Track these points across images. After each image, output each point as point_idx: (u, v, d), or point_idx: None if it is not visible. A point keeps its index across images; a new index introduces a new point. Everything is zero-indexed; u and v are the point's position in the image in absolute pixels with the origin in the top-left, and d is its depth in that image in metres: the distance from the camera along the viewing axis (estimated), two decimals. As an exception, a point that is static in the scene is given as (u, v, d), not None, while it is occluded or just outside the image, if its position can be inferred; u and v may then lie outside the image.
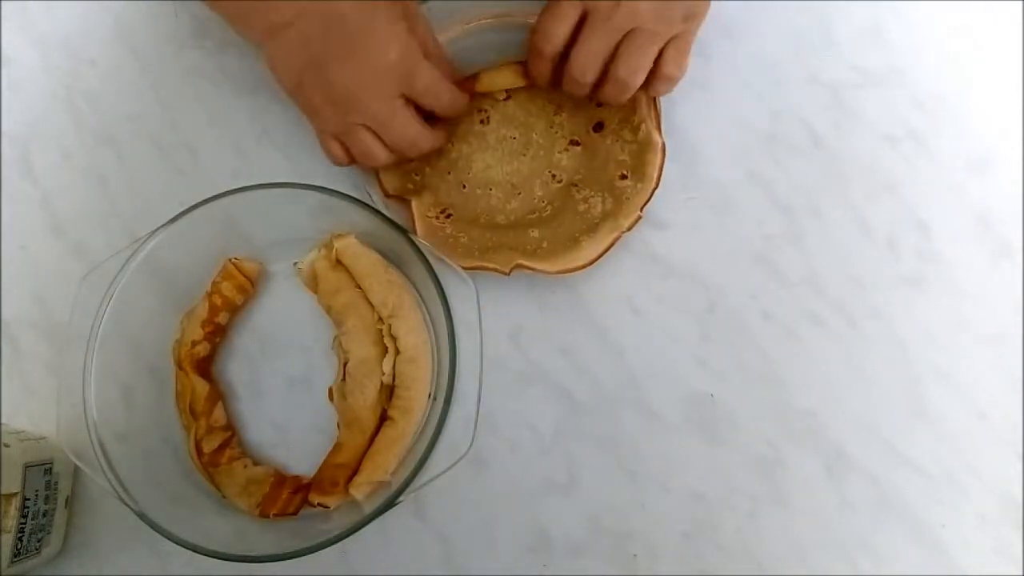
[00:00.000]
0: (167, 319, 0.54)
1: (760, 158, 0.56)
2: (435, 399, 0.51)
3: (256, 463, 0.52)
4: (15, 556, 0.46)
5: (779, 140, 0.57)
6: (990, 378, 0.53)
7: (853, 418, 0.52)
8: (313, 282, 0.54)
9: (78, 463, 0.47)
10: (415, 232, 0.53)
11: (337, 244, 0.52)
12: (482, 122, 0.56)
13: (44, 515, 0.49)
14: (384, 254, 0.53)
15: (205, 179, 0.57)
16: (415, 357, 0.51)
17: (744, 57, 0.58)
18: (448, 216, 0.54)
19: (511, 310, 0.54)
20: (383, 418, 0.51)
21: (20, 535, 0.47)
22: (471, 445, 0.47)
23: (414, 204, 0.54)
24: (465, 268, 0.50)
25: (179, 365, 0.53)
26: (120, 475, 0.48)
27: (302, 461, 0.53)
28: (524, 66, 0.54)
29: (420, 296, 0.53)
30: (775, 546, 0.51)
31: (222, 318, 0.54)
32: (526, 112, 0.56)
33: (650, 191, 0.52)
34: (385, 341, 0.51)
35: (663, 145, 0.53)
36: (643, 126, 0.53)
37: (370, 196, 0.55)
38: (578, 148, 0.56)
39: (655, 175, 0.53)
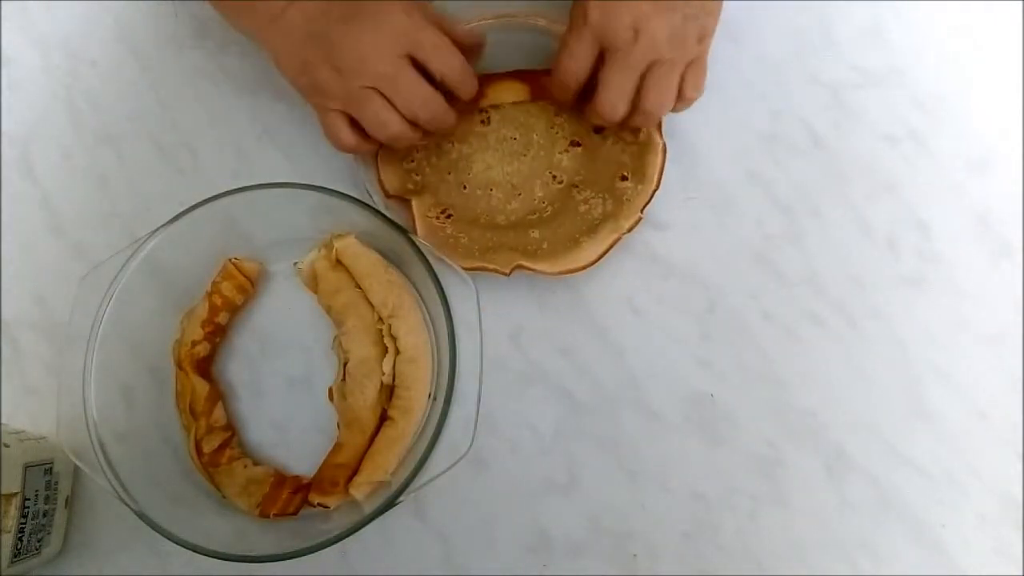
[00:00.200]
0: (167, 319, 0.54)
1: (760, 158, 0.56)
2: (435, 399, 0.51)
3: (256, 463, 0.52)
4: (15, 556, 0.46)
5: (779, 140, 0.57)
6: (990, 378, 0.53)
7: (853, 418, 0.52)
8: (313, 282, 0.54)
9: (78, 463, 0.47)
10: (415, 232, 0.53)
11: (337, 244, 0.52)
12: (483, 122, 0.56)
13: (44, 515, 0.49)
14: (384, 254, 0.53)
15: (205, 179, 0.58)
16: (415, 357, 0.51)
17: (744, 57, 0.58)
18: (448, 216, 0.54)
19: (511, 310, 0.54)
20: (383, 418, 0.51)
21: (20, 535, 0.47)
22: (471, 445, 0.47)
23: (414, 204, 0.54)
24: (465, 268, 0.50)
25: (179, 365, 0.53)
26: (120, 475, 0.47)
27: (302, 461, 0.53)
28: (527, 77, 0.54)
29: (420, 296, 0.53)
30: (775, 546, 0.51)
31: (222, 318, 0.54)
32: (527, 113, 0.56)
33: (650, 193, 0.52)
34: (385, 341, 0.51)
35: (664, 147, 0.53)
36: (644, 128, 0.53)
37: (370, 196, 0.55)
38: (579, 149, 0.56)
39: (656, 177, 0.53)
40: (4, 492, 0.45)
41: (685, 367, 0.53)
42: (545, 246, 0.53)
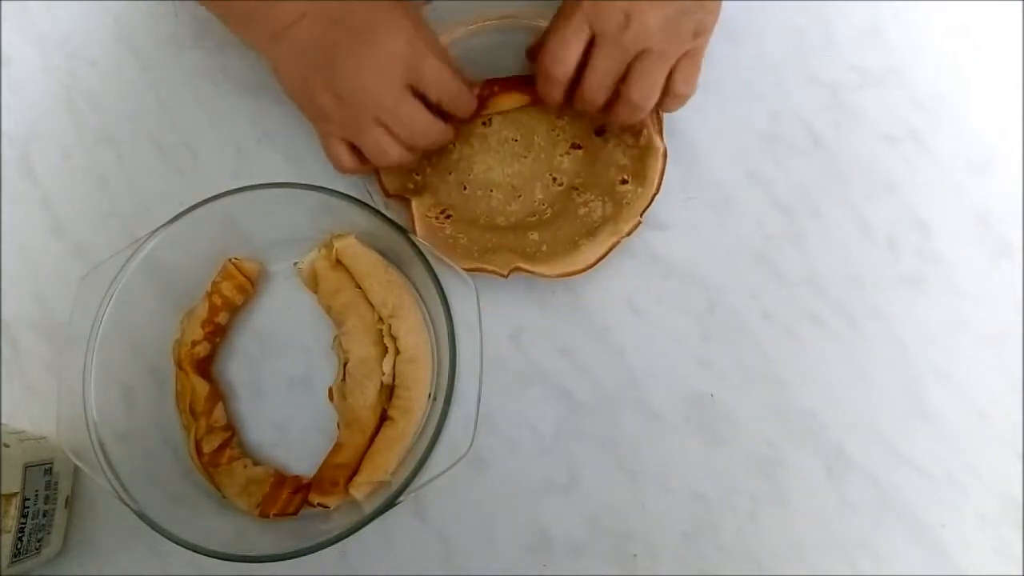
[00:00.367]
0: (167, 319, 0.54)
1: (760, 158, 0.56)
2: (435, 399, 0.51)
3: (256, 463, 0.52)
4: (15, 556, 0.46)
5: (779, 140, 0.57)
6: (990, 378, 0.53)
7: (853, 418, 0.52)
8: (313, 282, 0.54)
9: (78, 463, 0.47)
10: (415, 232, 0.53)
11: (337, 244, 0.52)
12: (484, 124, 0.56)
13: (44, 515, 0.49)
14: (384, 254, 0.53)
15: (205, 179, 0.58)
16: (415, 357, 0.51)
17: (744, 57, 0.58)
18: (448, 217, 0.54)
19: (511, 310, 0.54)
20: (383, 418, 0.51)
21: (20, 535, 0.47)
22: (471, 445, 0.47)
23: (414, 204, 0.54)
24: (464, 269, 0.50)
25: (179, 365, 0.53)
26: (120, 475, 0.47)
27: (302, 461, 0.53)
28: (529, 83, 0.54)
29: (420, 296, 0.53)
30: (775, 546, 0.51)
31: (222, 318, 0.54)
32: (528, 115, 0.56)
33: (651, 196, 0.52)
34: (385, 341, 0.51)
35: (665, 150, 0.53)
36: (645, 131, 0.53)
37: (370, 196, 0.55)
38: (579, 152, 0.56)
39: (656, 180, 0.52)
40: (4, 492, 0.45)
41: (685, 367, 0.53)
42: (544, 248, 0.53)
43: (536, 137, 0.56)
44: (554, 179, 0.55)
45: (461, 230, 0.54)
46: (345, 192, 0.51)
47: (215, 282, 0.54)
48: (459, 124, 0.53)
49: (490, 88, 0.54)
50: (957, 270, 0.54)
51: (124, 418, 0.51)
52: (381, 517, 0.47)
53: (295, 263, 0.55)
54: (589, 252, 0.52)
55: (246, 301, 0.55)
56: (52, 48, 0.61)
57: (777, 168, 0.56)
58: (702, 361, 0.53)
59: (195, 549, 0.46)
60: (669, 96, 0.50)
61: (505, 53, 0.56)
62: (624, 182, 0.53)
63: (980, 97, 0.57)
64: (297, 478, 0.52)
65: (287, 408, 0.54)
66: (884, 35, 0.59)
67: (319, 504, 0.50)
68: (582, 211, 0.54)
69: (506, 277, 0.51)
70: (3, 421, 0.50)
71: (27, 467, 0.47)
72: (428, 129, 0.50)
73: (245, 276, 0.54)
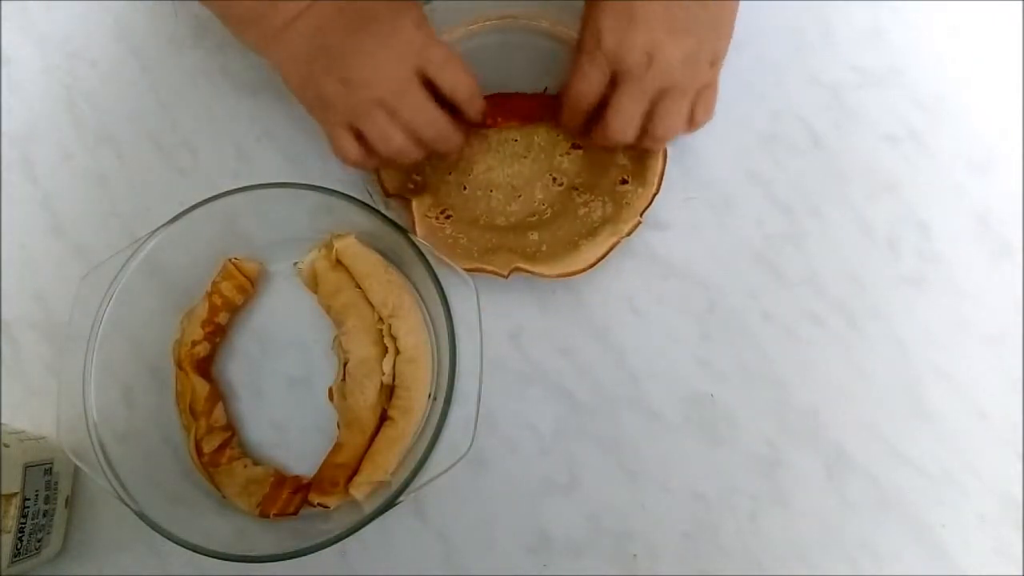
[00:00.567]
0: (167, 319, 0.54)
1: (760, 158, 0.56)
2: (435, 399, 0.51)
3: (256, 463, 0.52)
4: (15, 556, 0.46)
5: (779, 140, 0.57)
6: (990, 378, 0.52)
7: (853, 418, 0.52)
8: (313, 282, 0.54)
9: (78, 463, 0.47)
10: (415, 232, 0.53)
11: (337, 244, 0.52)
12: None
13: (44, 515, 0.49)
14: (384, 254, 0.53)
15: (205, 179, 0.58)
16: (415, 357, 0.51)
17: (744, 57, 0.58)
18: (448, 217, 0.54)
19: (511, 310, 0.54)
20: (383, 418, 0.51)
21: (20, 535, 0.47)
22: (471, 445, 0.47)
23: (414, 204, 0.54)
24: (464, 269, 0.50)
25: (179, 365, 0.53)
26: (120, 475, 0.47)
27: (302, 461, 0.53)
28: (533, 101, 0.55)
29: (420, 296, 0.53)
30: (775, 546, 0.51)
31: (222, 318, 0.54)
32: (528, 115, 0.56)
33: (651, 196, 0.52)
34: (385, 341, 0.51)
35: (665, 150, 0.53)
36: (652, 150, 0.53)
37: (370, 196, 0.55)
38: (579, 152, 0.56)
39: (656, 180, 0.53)
40: (4, 492, 0.45)
41: (685, 367, 0.53)
42: (544, 248, 0.53)
43: (536, 137, 0.56)
44: (554, 179, 0.55)
45: (461, 230, 0.54)
46: (345, 192, 0.51)
47: (215, 282, 0.54)
48: (467, 129, 0.52)
49: (493, 118, 0.54)
50: (957, 270, 0.54)
51: (124, 418, 0.51)
52: (381, 517, 0.47)
53: (295, 263, 0.55)
54: (589, 252, 0.52)
55: (246, 301, 0.55)
56: (52, 48, 0.61)
57: (777, 168, 0.56)
58: (702, 361, 0.53)
59: (195, 549, 0.46)
60: (689, 125, 0.50)
61: (505, 53, 0.56)
62: (624, 182, 0.53)
63: (980, 97, 0.57)
64: (297, 478, 0.52)
65: (287, 408, 0.54)
66: (884, 35, 0.58)
67: (319, 504, 0.50)
68: (582, 211, 0.54)
69: (506, 277, 0.51)
70: (3, 421, 0.50)
71: (27, 467, 0.47)
72: (433, 120, 0.49)
73: (245, 276, 0.54)
